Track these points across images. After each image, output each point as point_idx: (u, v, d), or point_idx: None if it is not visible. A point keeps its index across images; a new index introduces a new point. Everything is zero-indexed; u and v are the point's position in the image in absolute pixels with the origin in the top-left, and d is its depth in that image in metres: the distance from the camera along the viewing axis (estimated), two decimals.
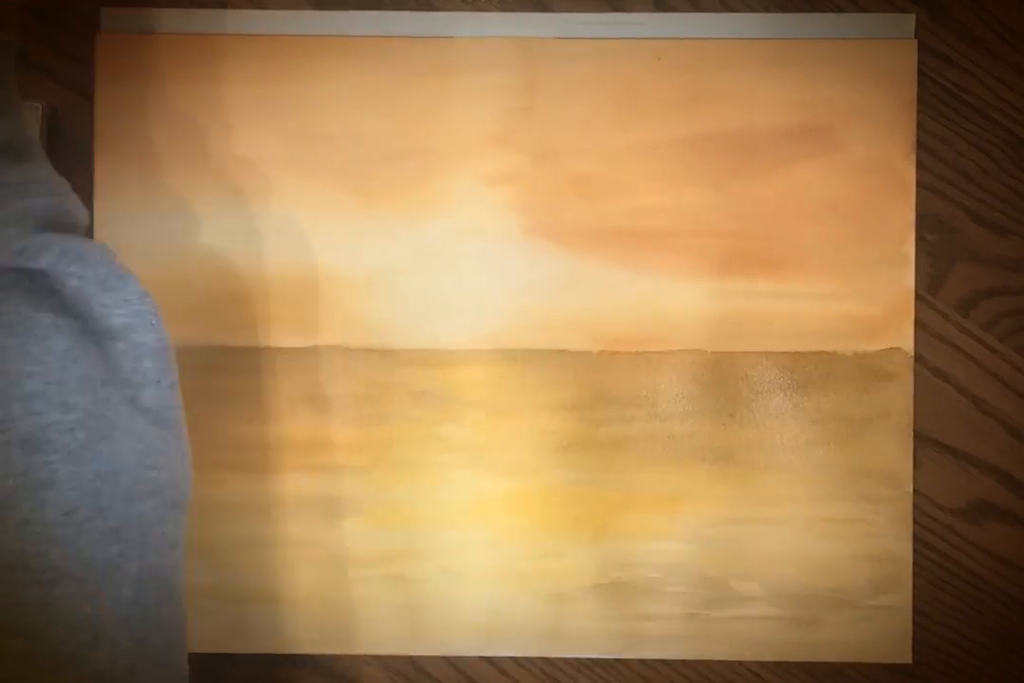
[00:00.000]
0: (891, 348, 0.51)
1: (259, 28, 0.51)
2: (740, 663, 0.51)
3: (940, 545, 0.51)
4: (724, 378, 0.51)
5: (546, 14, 0.51)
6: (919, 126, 0.51)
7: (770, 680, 0.51)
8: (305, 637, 0.51)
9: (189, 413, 0.51)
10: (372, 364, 0.51)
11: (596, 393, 0.51)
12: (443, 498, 0.51)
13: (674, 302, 0.51)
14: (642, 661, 0.51)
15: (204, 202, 0.51)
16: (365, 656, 0.51)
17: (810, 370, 0.51)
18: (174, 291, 0.51)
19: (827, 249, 0.51)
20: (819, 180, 0.51)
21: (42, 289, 0.37)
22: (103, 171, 0.51)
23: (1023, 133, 0.51)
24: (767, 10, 0.51)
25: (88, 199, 0.51)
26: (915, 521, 0.51)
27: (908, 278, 0.51)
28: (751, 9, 0.51)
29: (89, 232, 0.51)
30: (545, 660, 0.52)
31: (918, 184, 0.51)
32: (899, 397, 0.51)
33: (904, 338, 0.51)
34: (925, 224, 0.51)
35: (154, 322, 0.39)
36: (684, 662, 0.51)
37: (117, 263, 0.39)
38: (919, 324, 0.51)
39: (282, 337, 0.51)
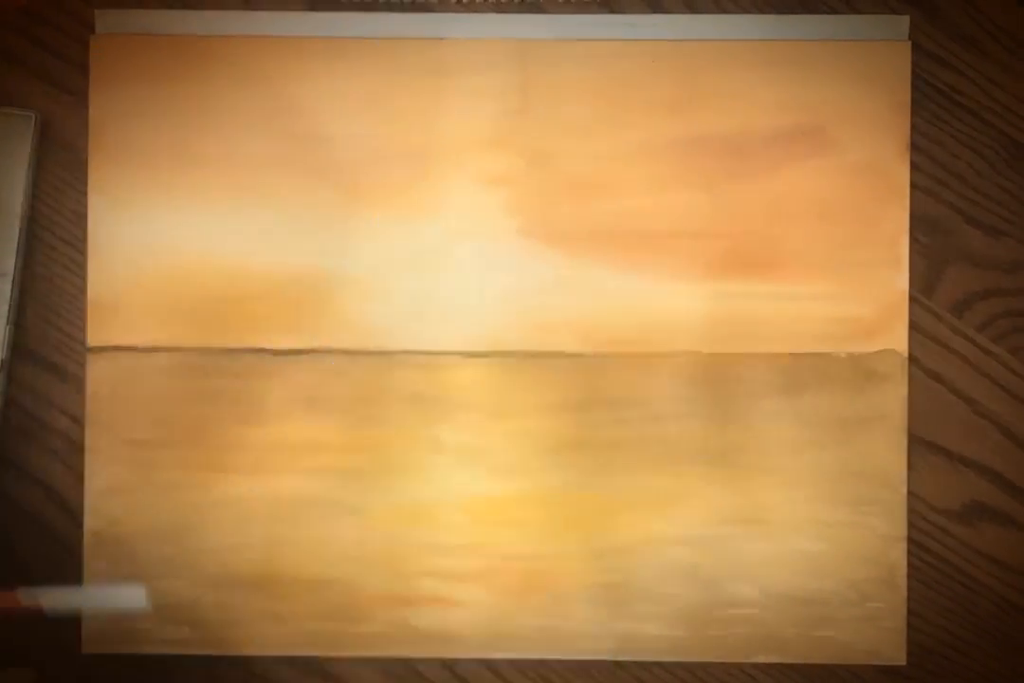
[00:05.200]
0: (885, 350, 0.51)
1: (253, 29, 0.51)
2: (735, 665, 0.51)
3: (934, 547, 0.51)
4: (719, 380, 0.51)
5: (540, 15, 0.51)
6: (913, 128, 0.51)
7: (764, 682, 0.51)
8: (301, 639, 0.51)
9: (183, 415, 0.51)
10: (367, 366, 0.51)
11: (591, 395, 0.51)
12: (438, 500, 0.51)
13: (668, 304, 0.51)
14: (638, 663, 0.51)
15: (198, 204, 0.51)
16: (361, 658, 0.51)
17: (804, 372, 0.51)
18: (169, 293, 0.51)
19: (821, 251, 0.51)
20: (813, 182, 0.51)
21: None
22: (98, 173, 0.51)
23: (1017, 135, 0.51)
24: (761, 12, 0.51)
25: (83, 201, 0.51)
26: (909, 523, 0.51)
27: (902, 280, 0.51)
28: (745, 11, 0.51)
29: (84, 234, 0.51)
30: (541, 662, 0.52)
31: (912, 186, 0.51)
32: (893, 399, 0.51)
33: (898, 340, 0.51)
34: (919, 226, 0.51)
35: None
36: (680, 664, 0.51)
37: None
38: (913, 326, 0.51)
39: (277, 339, 0.51)
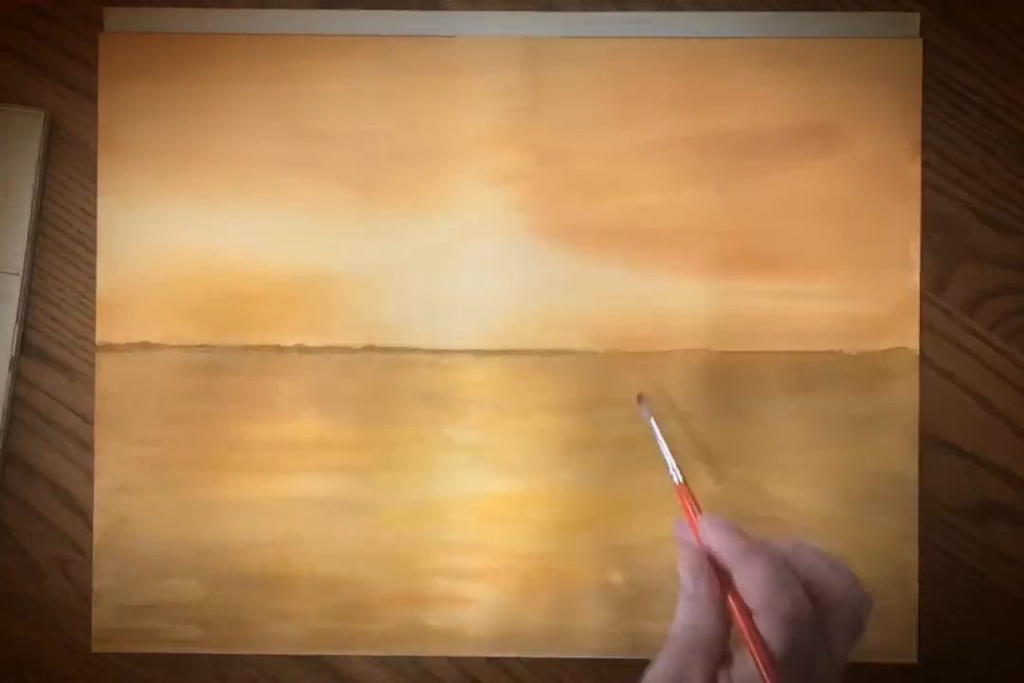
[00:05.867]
0: (897, 348, 0.51)
1: (262, 27, 0.51)
2: None
3: (946, 545, 0.51)
4: (729, 378, 0.51)
5: (550, 13, 0.51)
6: (924, 125, 0.51)
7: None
8: (311, 637, 0.51)
9: (192, 413, 0.51)
10: (375, 364, 0.51)
11: (600, 393, 0.51)
12: (448, 498, 0.51)
13: (679, 302, 0.51)
14: (647, 661, 0.51)
15: (207, 202, 0.51)
16: (369, 657, 0.51)
17: (815, 370, 0.51)
18: (178, 291, 0.51)
19: (832, 248, 0.51)
20: (824, 179, 0.51)
21: None
22: (106, 171, 0.51)
23: None
24: (772, 9, 0.51)
25: (92, 199, 0.51)
26: (921, 521, 0.51)
27: (913, 278, 0.51)
28: (756, 8, 0.51)
29: (93, 232, 0.51)
30: (549, 660, 0.51)
31: (923, 183, 0.51)
32: (905, 397, 0.51)
33: (910, 338, 0.51)
34: (930, 223, 0.51)
35: None
36: None
37: None
38: (925, 324, 0.51)
39: (285, 337, 0.51)
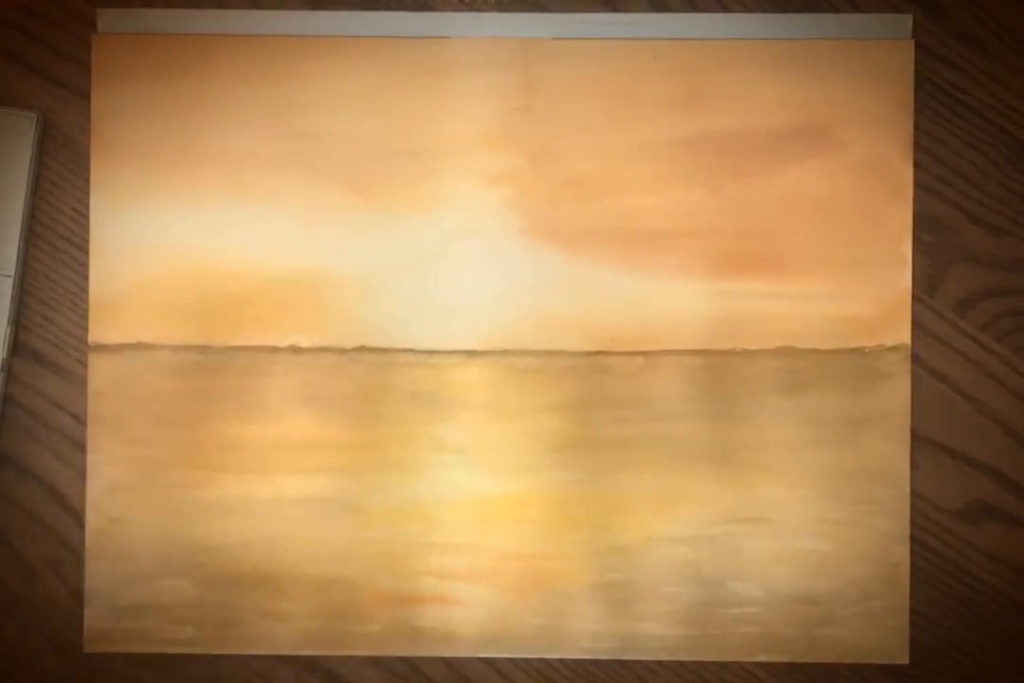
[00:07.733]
0: (888, 348, 0.51)
1: (256, 28, 0.51)
2: (737, 664, 0.51)
3: (937, 546, 0.51)
4: (721, 378, 0.51)
5: (543, 14, 0.51)
6: (916, 126, 0.51)
7: (767, 681, 0.51)
8: (303, 638, 0.51)
9: (184, 413, 0.51)
10: (368, 364, 0.51)
11: (593, 393, 0.51)
12: (440, 499, 0.51)
13: (671, 302, 0.51)
14: (639, 662, 0.51)
15: (199, 202, 0.51)
16: (362, 657, 0.51)
17: (807, 370, 0.51)
18: (170, 291, 0.51)
19: (824, 249, 0.51)
20: (816, 180, 0.51)
21: None
22: (100, 172, 0.51)
23: (1020, 133, 0.51)
24: (764, 10, 0.51)
25: (84, 199, 0.51)
26: (912, 522, 0.51)
27: (905, 279, 0.51)
28: (748, 9, 0.51)
29: (86, 232, 0.51)
30: (542, 661, 0.51)
31: (915, 185, 0.51)
32: (896, 398, 0.51)
33: (901, 339, 0.51)
34: (922, 225, 0.51)
35: None
36: (681, 663, 0.51)
37: None
38: (916, 325, 0.51)
39: (277, 337, 0.51)
